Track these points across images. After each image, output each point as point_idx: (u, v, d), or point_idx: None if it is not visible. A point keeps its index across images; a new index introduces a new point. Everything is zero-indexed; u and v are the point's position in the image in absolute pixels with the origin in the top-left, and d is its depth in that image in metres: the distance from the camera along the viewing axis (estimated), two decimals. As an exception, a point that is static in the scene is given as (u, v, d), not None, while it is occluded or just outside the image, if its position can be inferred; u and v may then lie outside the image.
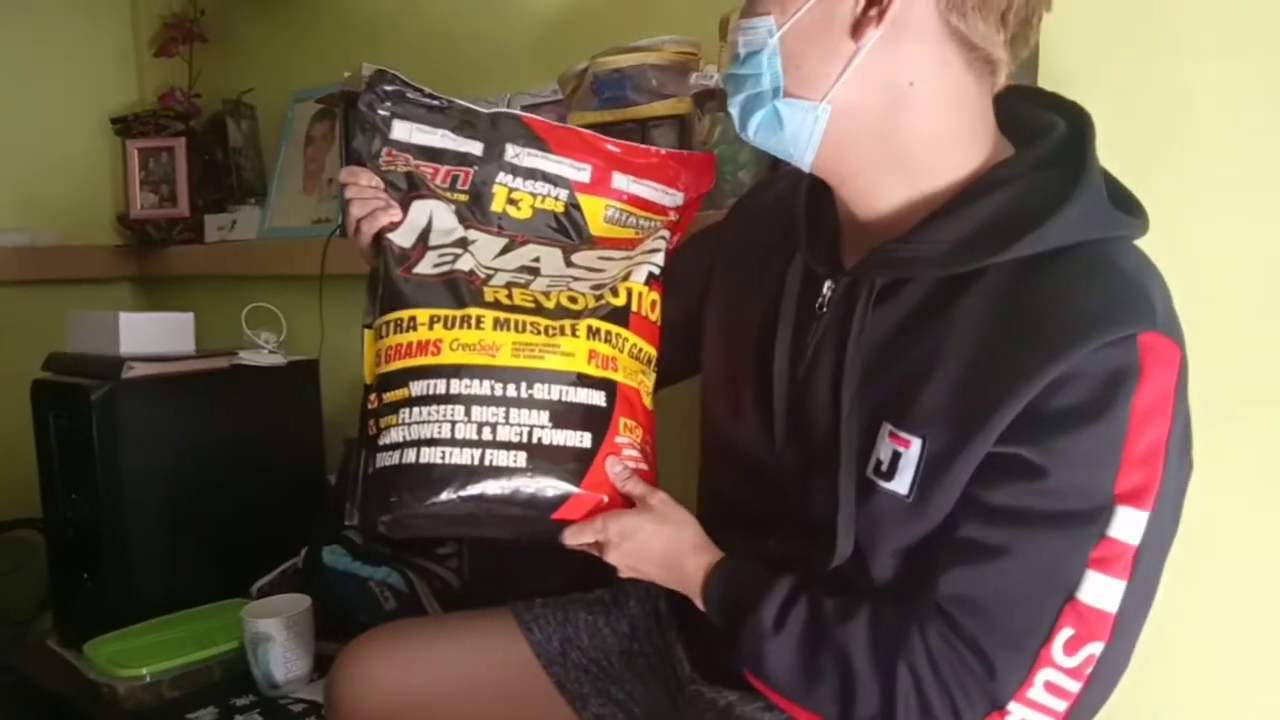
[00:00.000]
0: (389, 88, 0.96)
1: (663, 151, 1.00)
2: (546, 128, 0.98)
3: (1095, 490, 0.64)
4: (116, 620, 1.36)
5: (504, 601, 1.03)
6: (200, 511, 1.46)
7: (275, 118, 2.01)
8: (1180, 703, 0.97)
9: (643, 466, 0.87)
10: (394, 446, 0.84)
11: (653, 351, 0.91)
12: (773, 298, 0.82)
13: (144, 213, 2.10)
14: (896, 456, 0.70)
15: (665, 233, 0.96)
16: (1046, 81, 0.94)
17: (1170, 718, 0.97)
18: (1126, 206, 0.71)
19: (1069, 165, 0.70)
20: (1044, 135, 0.73)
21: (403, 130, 0.95)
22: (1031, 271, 0.67)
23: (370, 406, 0.89)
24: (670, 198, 1.00)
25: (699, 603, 0.81)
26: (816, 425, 0.77)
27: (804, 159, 0.74)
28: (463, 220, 0.95)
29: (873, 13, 0.68)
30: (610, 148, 0.99)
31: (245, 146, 2.03)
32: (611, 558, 0.83)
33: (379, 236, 0.92)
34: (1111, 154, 0.73)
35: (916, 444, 0.69)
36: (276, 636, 1.25)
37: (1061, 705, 0.66)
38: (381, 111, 0.96)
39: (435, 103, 0.97)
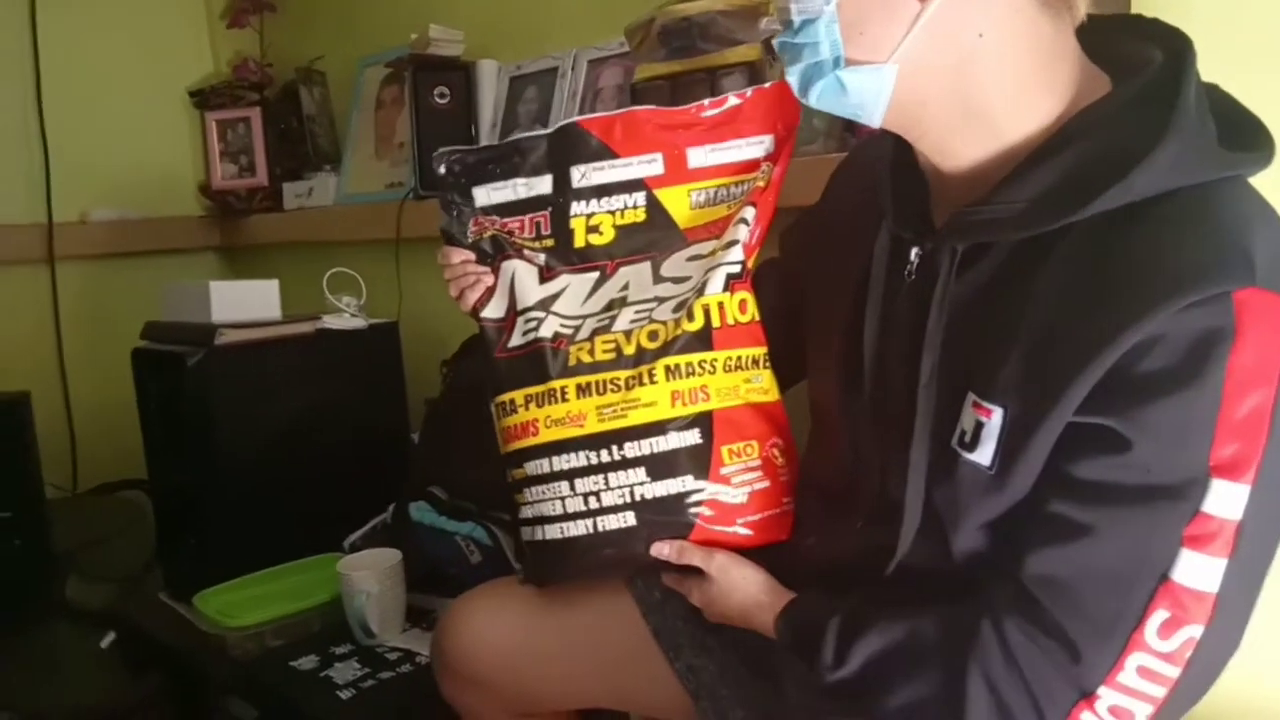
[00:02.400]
0: (454, 161, 0.97)
1: (730, 98, 0.94)
2: (605, 125, 0.95)
3: (1186, 463, 0.60)
4: (219, 575, 1.43)
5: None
6: (292, 470, 1.52)
7: (345, 84, 2.04)
8: None
9: (760, 485, 0.89)
10: (527, 523, 0.93)
11: (756, 352, 0.91)
12: (864, 266, 0.80)
13: (225, 183, 2.16)
14: (979, 427, 0.67)
15: (748, 211, 0.92)
16: (1140, 5, 0.89)
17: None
18: (1241, 140, 0.64)
19: (1164, 102, 0.63)
20: (1138, 70, 0.67)
21: (482, 195, 0.97)
22: (1117, 227, 0.62)
23: (509, 482, 0.96)
24: (757, 147, 0.94)
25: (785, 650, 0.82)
26: (899, 397, 0.74)
27: (873, 119, 0.70)
28: (550, 270, 0.96)
29: None
30: (677, 121, 0.95)
31: (318, 114, 2.07)
32: (711, 619, 0.90)
33: (476, 314, 0.97)
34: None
35: (998, 414, 0.65)
36: (371, 589, 1.30)
37: (1160, 691, 0.62)
38: (457, 188, 0.97)
39: (496, 152, 0.97)
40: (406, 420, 1.69)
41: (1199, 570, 0.61)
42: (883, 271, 0.78)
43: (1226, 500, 0.60)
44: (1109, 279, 0.62)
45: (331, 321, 1.58)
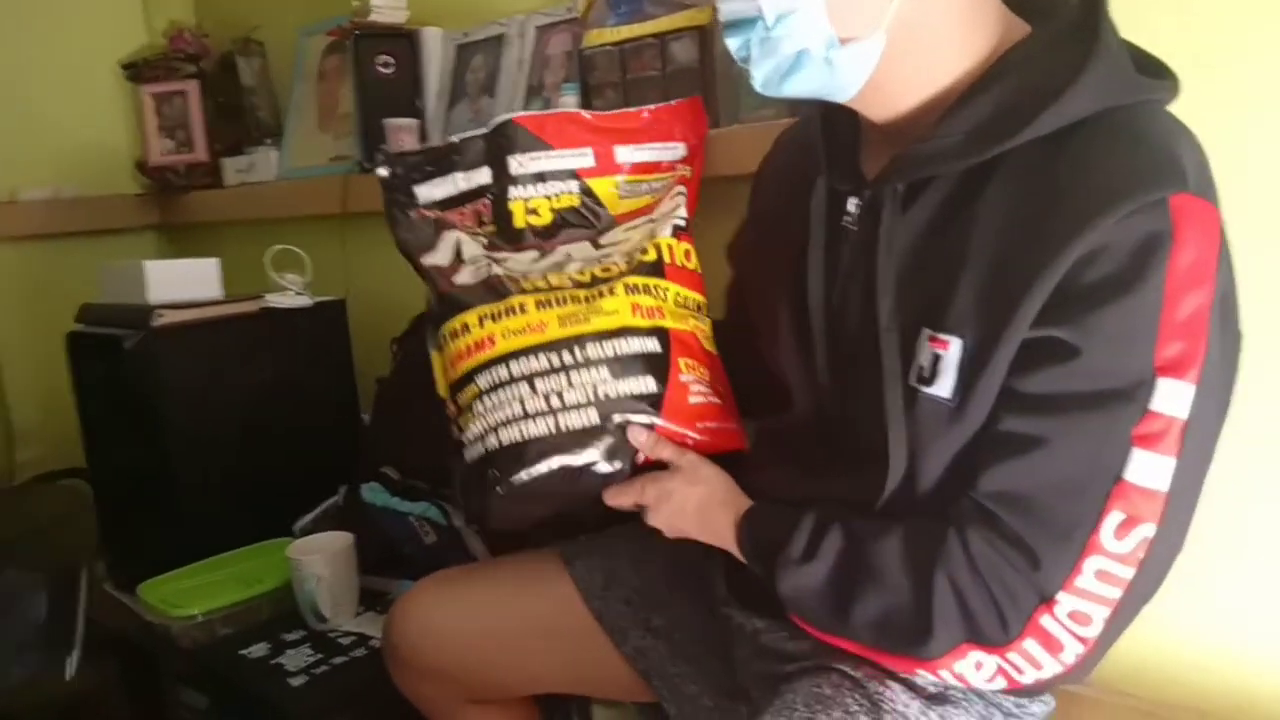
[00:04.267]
0: (395, 163, 1.01)
1: (651, 109, 1.03)
2: (539, 123, 1.00)
3: (1133, 365, 0.62)
4: (166, 563, 1.39)
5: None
6: (239, 454, 1.47)
7: (285, 54, 1.97)
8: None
9: (714, 400, 0.90)
10: (477, 438, 0.89)
11: (699, 298, 0.95)
12: (802, 226, 0.80)
13: (162, 159, 2.08)
14: (937, 360, 0.68)
15: (682, 187, 0.98)
16: None
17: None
18: (1152, 70, 0.68)
19: (1084, 37, 0.66)
20: (1055, 14, 0.71)
21: (424, 192, 1.01)
22: (1052, 150, 0.65)
23: (451, 415, 0.93)
24: (672, 152, 1.02)
25: (737, 554, 0.80)
26: (856, 344, 0.75)
27: (848, 94, 0.71)
28: (494, 249, 0.98)
29: None
30: (602, 125, 1.02)
31: (258, 86, 2.00)
32: (652, 520, 0.85)
33: (420, 269, 0.97)
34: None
35: (955, 344, 0.67)
36: (322, 573, 1.27)
37: (1115, 593, 0.64)
38: (401, 184, 1.00)
39: (435, 153, 1.01)
40: (356, 400, 1.66)
41: (1150, 469, 0.63)
42: (821, 227, 0.79)
43: (1173, 399, 0.62)
44: (1050, 197, 0.64)
45: (276, 300, 1.54)
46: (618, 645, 0.94)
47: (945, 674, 0.71)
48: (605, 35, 1.27)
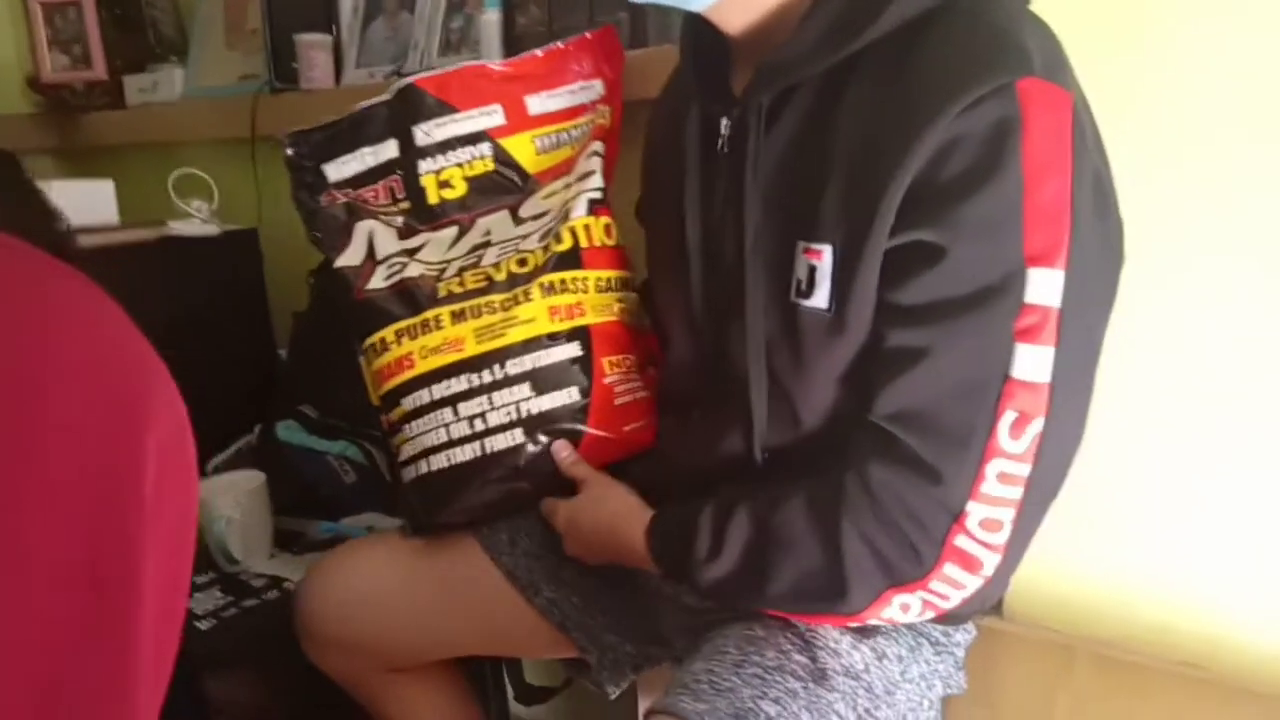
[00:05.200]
0: (298, 143, 0.96)
1: (559, 46, 0.97)
2: (441, 83, 0.95)
3: (1002, 257, 0.61)
4: (65, 505, 1.31)
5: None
6: (144, 392, 1.39)
7: (189, -37, 1.83)
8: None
9: (641, 395, 0.90)
10: (409, 461, 0.90)
11: (621, 274, 0.92)
12: (680, 156, 0.79)
13: (56, 76, 1.94)
14: (812, 271, 0.67)
15: (597, 145, 0.93)
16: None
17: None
18: None
19: None
20: None
21: (333, 170, 0.96)
22: (902, 47, 0.64)
23: (386, 430, 0.93)
24: (589, 92, 0.97)
25: (653, 568, 0.79)
26: (730, 267, 0.73)
27: (698, 2, 0.70)
28: (410, 230, 0.94)
29: None
30: (509, 74, 0.96)
31: (159, -3, 1.86)
32: (567, 550, 0.86)
33: (331, 268, 0.93)
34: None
35: (827, 252, 0.67)
36: (232, 514, 1.21)
37: (1017, 493, 0.64)
38: (308, 164, 0.96)
39: (338, 127, 0.96)
40: (271, 335, 1.58)
41: (1032, 362, 0.62)
42: (696, 152, 0.77)
43: (1044, 288, 0.61)
44: (899, 94, 0.63)
45: (180, 228, 1.44)
46: (529, 600, 0.92)
47: (873, 622, 0.71)
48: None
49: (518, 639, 0.98)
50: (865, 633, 0.77)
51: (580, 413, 0.86)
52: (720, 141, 0.75)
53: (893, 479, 0.65)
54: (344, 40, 1.54)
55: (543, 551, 0.92)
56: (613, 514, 0.83)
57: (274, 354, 1.57)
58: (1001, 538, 0.65)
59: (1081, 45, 0.68)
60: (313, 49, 1.50)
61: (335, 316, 1.00)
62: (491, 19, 1.26)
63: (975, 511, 0.64)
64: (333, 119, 0.97)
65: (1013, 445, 0.63)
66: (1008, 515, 0.64)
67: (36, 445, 0.30)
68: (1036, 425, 0.63)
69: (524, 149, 0.95)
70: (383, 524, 1.30)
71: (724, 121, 0.74)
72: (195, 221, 1.46)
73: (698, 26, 0.77)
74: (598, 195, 0.91)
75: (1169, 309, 0.90)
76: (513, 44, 1.21)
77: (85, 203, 1.39)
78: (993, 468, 0.63)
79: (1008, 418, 0.63)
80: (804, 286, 0.68)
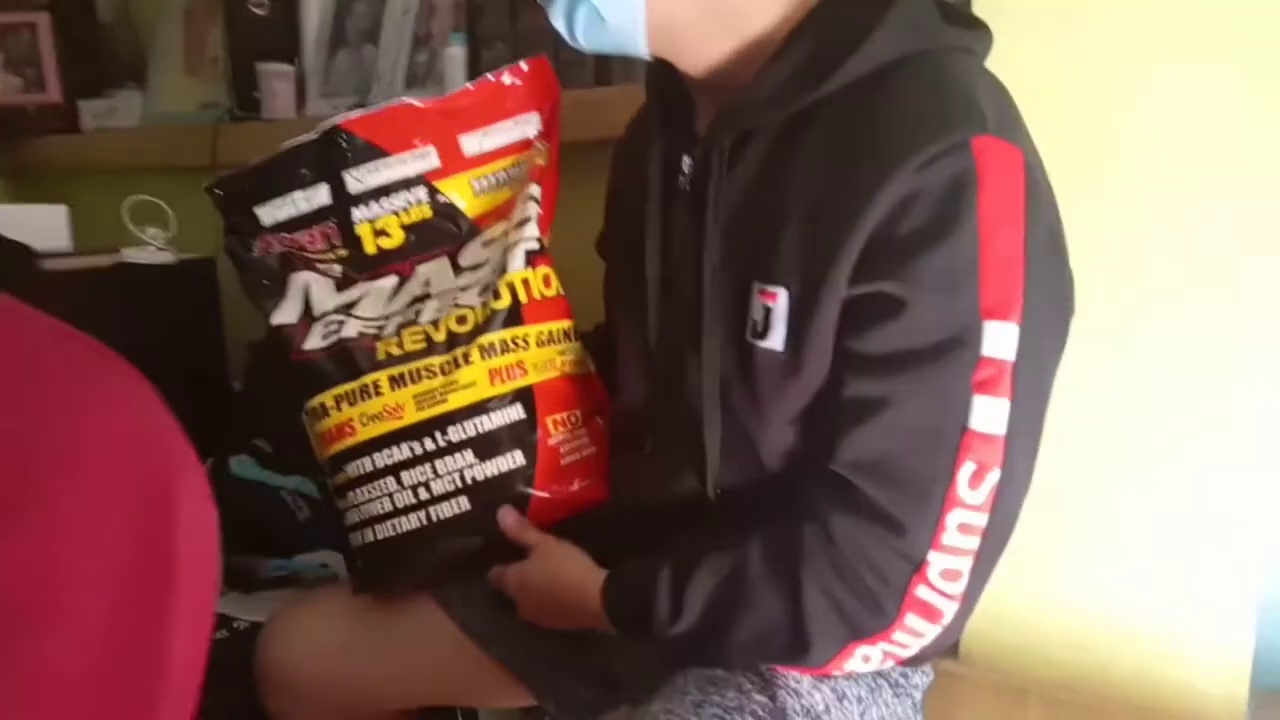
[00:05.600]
0: (227, 188, 0.92)
1: (490, 80, 0.91)
2: (370, 124, 0.89)
3: (960, 309, 0.62)
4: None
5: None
6: (92, 423, 1.36)
7: (149, -11, 1.82)
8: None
9: (588, 451, 0.88)
10: (355, 528, 0.88)
11: (565, 324, 0.89)
12: (642, 192, 0.79)
13: (8, 99, 1.90)
14: (768, 313, 0.68)
15: (534, 189, 0.90)
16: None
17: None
18: (959, 21, 0.69)
19: None
20: None
21: (266, 214, 0.91)
22: (860, 98, 0.66)
23: (331, 491, 0.91)
24: (527, 126, 0.92)
25: (610, 630, 0.77)
26: (688, 304, 0.74)
27: (638, 47, 0.72)
28: (348, 281, 0.91)
29: None
30: (442, 109, 0.90)
31: (118, 22, 1.84)
32: (521, 614, 0.85)
33: (269, 329, 0.91)
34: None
35: (782, 295, 0.67)
36: (181, 552, 1.18)
37: (974, 542, 0.64)
38: (238, 211, 0.91)
39: (268, 170, 0.91)
40: (225, 366, 1.55)
41: (989, 414, 0.63)
42: (658, 188, 0.78)
43: (1000, 341, 0.62)
44: (857, 144, 0.65)
45: (133, 255, 1.42)
46: (484, 650, 0.90)
47: (836, 673, 0.71)
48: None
49: (474, 689, 0.96)
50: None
51: (526, 476, 0.85)
52: (682, 179, 0.76)
53: (855, 530, 0.65)
54: (307, 70, 1.53)
55: (495, 602, 0.91)
56: (565, 576, 0.81)
57: (228, 385, 1.55)
58: (960, 586, 0.65)
59: (1037, 101, 0.70)
60: (275, 78, 1.49)
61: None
62: (456, 54, 1.27)
63: (936, 562, 0.64)
64: (259, 160, 0.92)
65: (972, 496, 0.64)
66: (966, 564, 0.65)
67: (84, 516, 0.31)
68: (994, 476, 0.64)
69: (461, 191, 0.91)
70: (336, 561, 1.27)
71: (686, 160, 0.75)
72: (150, 249, 1.44)
73: (662, 66, 0.78)
74: (535, 245, 0.88)
75: (1115, 353, 0.92)
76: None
77: (37, 227, 1.36)
78: (953, 518, 0.64)
79: (966, 468, 0.63)
80: (759, 327, 0.69)
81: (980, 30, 0.71)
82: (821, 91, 0.66)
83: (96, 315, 1.43)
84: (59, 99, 1.88)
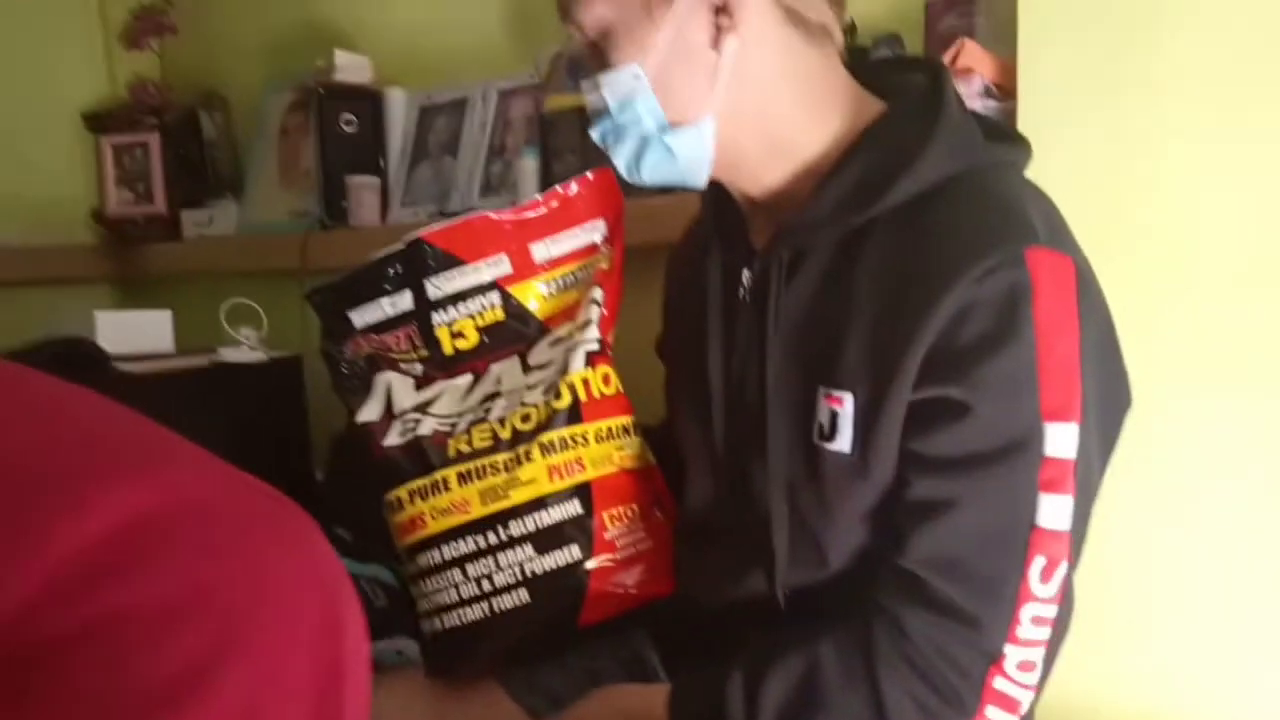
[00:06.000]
0: (324, 295, 1.01)
1: (559, 192, 0.98)
2: (449, 236, 0.97)
3: (1022, 413, 0.65)
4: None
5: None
6: (186, 512, 1.44)
7: (249, 110, 1.97)
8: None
9: (644, 546, 0.91)
10: (426, 615, 0.95)
11: (624, 420, 0.94)
12: (702, 303, 0.84)
13: (119, 210, 2.07)
14: (834, 416, 0.71)
15: (596, 292, 0.95)
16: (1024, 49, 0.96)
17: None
18: (1001, 137, 0.75)
19: (932, 110, 0.73)
20: (907, 93, 0.77)
21: (357, 318, 0.99)
22: (916, 214, 0.70)
23: (407, 580, 0.98)
24: (593, 232, 0.99)
25: None
26: (753, 409, 0.77)
27: (701, 178, 0.77)
28: (428, 380, 0.99)
29: (724, 21, 0.71)
30: (512, 220, 0.98)
31: (220, 140, 2.00)
32: None
33: (354, 427, 0.98)
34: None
35: (848, 400, 0.71)
36: (266, 637, 1.23)
37: (1046, 633, 0.67)
38: (334, 315, 1.00)
39: (361, 277, 0.99)
40: (310, 458, 1.63)
41: (1056, 512, 0.66)
42: (718, 300, 0.83)
43: (1061, 441, 0.66)
44: (916, 258, 0.69)
45: (229, 354, 1.52)
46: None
47: None
48: (565, 101, 1.30)
49: None
50: None
51: (583, 570, 0.88)
52: (742, 291, 0.80)
53: (929, 625, 0.67)
54: (391, 181, 1.65)
55: (563, 687, 0.93)
56: (626, 699, 0.82)
57: (312, 476, 1.62)
58: (1035, 677, 0.67)
59: (1082, 207, 0.75)
60: (362, 189, 1.61)
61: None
62: (529, 165, 1.36)
63: (1012, 655, 0.66)
64: (352, 269, 1.01)
65: (1043, 589, 0.66)
66: (1040, 655, 0.67)
67: (277, 660, 0.33)
68: (1063, 569, 0.66)
69: (531, 295, 0.98)
70: (411, 648, 1.31)
71: (745, 273, 0.79)
72: (244, 349, 1.54)
73: (716, 185, 0.83)
74: (595, 346, 0.93)
75: (1161, 444, 0.93)
76: (549, 188, 1.29)
77: (145, 331, 1.48)
78: (1026, 611, 0.66)
79: (1037, 564, 0.66)
80: (826, 430, 0.72)
81: (1020, 144, 0.76)
82: (874, 210, 0.71)
83: (195, 412, 1.53)
84: (164, 210, 2.04)
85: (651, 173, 0.77)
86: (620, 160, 0.77)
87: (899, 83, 0.79)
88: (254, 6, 1.98)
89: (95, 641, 0.29)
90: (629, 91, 0.73)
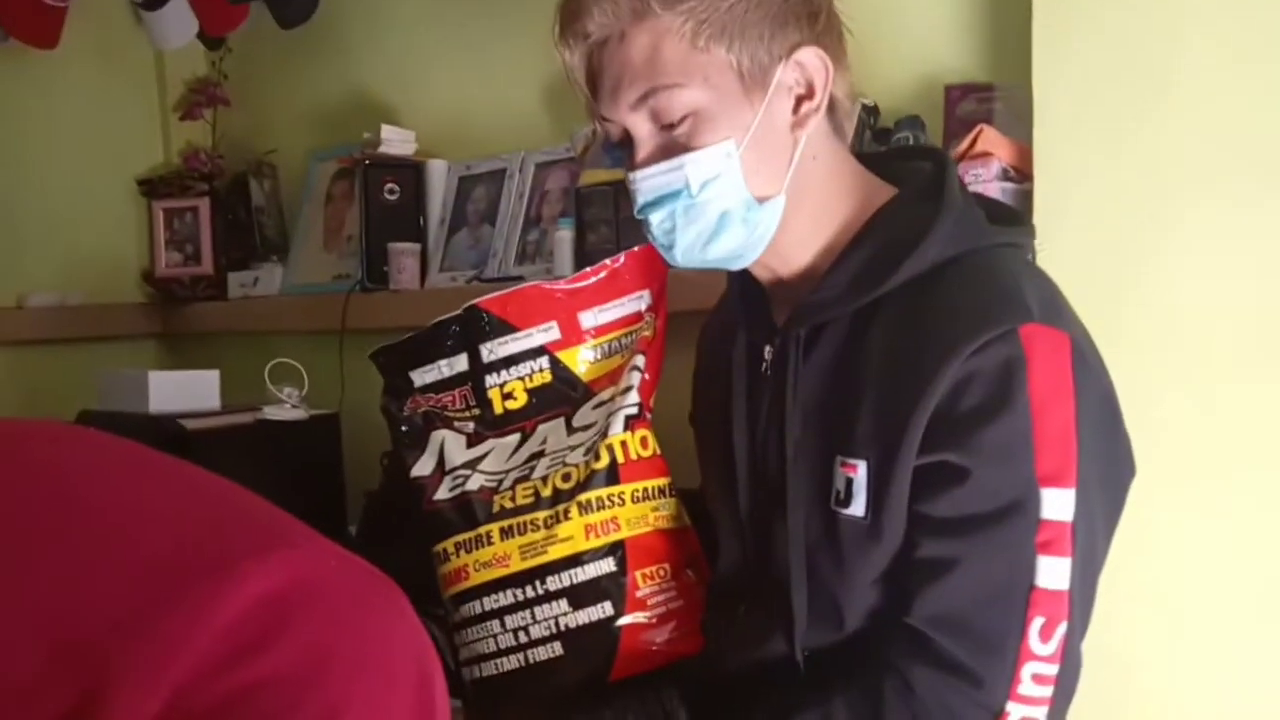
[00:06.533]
0: (388, 355, 1.08)
1: (608, 264, 1.04)
2: (503, 303, 1.04)
3: (1018, 477, 0.69)
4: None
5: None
6: (225, 565, 1.48)
7: (296, 177, 2.07)
8: None
9: (675, 605, 0.95)
10: (467, 663, 0.99)
11: (660, 481, 0.98)
12: (728, 377, 0.89)
13: (169, 271, 2.15)
14: (850, 483, 0.75)
15: (638, 359, 1.00)
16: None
17: None
18: (1004, 219, 0.79)
19: (936, 194, 0.78)
20: (913, 179, 0.82)
21: (417, 377, 1.07)
22: (920, 292, 0.75)
23: (451, 626, 1.02)
24: (638, 301, 1.04)
25: None
26: (774, 477, 0.82)
27: (755, 256, 0.80)
28: (479, 437, 1.05)
29: (808, 105, 0.76)
30: (564, 290, 1.04)
31: (267, 205, 2.09)
32: None
33: (407, 474, 1.04)
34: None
35: (862, 467, 0.75)
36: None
37: (1048, 691, 0.69)
38: (396, 374, 1.07)
39: (421, 340, 1.07)
40: (345, 512, 1.67)
41: (1054, 573, 0.69)
42: (743, 374, 0.87)
43: (1057, 506, 0.69)
44: (919, 333, 0.74)
45: (272, 412, 1.58)
46: None
47: None
48: (600, 175, 1.36)
49: None
50: None
51: (615, 626, 0.93)
52: (764, 365, 0.84)
53: (934, 681, 0.70)
54: (430, 247, 1.72)
55: None
56: None
57: (346, 530, 1.66)
58: None
59: (1092, 283, 0.79)
60: (402, 255, 1.67)
61: (405, 493, 1.09)
62: (565, 236, 1.42)
63: (1014, 711, 0.69)
64: (413, 333, 1.08)
65: (1043, 648, 0.69)
66: (1042, 713, 0.70)
67: (391, 710, 0.37)
68: (1062, 628, 0.69)
69: (578, 360, 1.04)
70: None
71: (767, 348, 0.84)
72: (286, 406, 1.60)
73: (741, 271, 0.88)
74: (634, 410, 0.98)
75: (1171, 511, 0.95)
76: (583, 258, 1.35)
77: (194, 389, 1.54)
78: (1027, 670, 0.69)
79: (1037, 623, 0.69)
80: (842, 496, 0.76)
81: (1024, 226, 0.81)
82: (882, 289, 0.76)
83: (242, 467, 1.59)
84: (211, 271, 2.12)
85: (715, 251, 0.78)
86: (684, 241, 0.77)
87: (906, 170, 0.84)
88: (303, 80, 2.09)
89: (236, 713, 0.34)
90: (716, 171, 0.75)
